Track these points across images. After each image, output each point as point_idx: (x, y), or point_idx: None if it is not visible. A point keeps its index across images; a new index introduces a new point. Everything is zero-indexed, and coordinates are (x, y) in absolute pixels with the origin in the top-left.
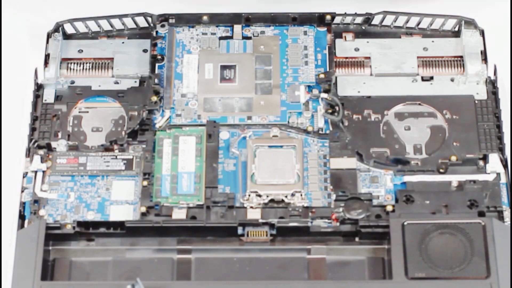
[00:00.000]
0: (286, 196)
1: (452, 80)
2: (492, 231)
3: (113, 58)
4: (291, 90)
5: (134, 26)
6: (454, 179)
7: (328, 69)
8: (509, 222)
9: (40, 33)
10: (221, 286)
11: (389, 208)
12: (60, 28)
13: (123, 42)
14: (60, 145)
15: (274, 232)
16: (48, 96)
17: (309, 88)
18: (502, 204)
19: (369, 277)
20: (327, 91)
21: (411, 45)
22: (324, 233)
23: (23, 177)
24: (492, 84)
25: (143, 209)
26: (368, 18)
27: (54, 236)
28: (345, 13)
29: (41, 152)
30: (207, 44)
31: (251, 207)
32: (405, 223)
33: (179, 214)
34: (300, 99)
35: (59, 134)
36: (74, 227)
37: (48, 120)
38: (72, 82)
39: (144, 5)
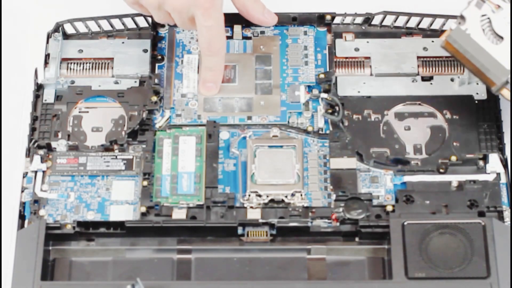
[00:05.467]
0: (286, 196)
1: (452, 80)
2: (492, 231)
3: (113, 58)
4: (291, 90)
5: (134, 26)
6: (454, 179)
7: (328, 69)
8: (509, 222)
9: (40, 33)
10: (221, 286)
11: (389, 208)
12: (60, 28)
13: (123, 42)
14: (60, 145)
15: (274, 232)
16: (48, 96)
17: (309, 88)
18: (502, 204)
19: (369, 277)
20: (327, 91)
21: (411, 45)
22: (324, 233)
23: (23, 177)
24: None
25: (143, 209)
26: (368, 18)
27: (54, 236)
28: (345, 13)
29: (41, 152)
30: None
31: (251, 207)
32: (405, 223)
33: (179, 214)
34: (300, 99)
35: (59, 134)
36: (74, 227)
37: (48, 120)
38: (72, 82)
39: None
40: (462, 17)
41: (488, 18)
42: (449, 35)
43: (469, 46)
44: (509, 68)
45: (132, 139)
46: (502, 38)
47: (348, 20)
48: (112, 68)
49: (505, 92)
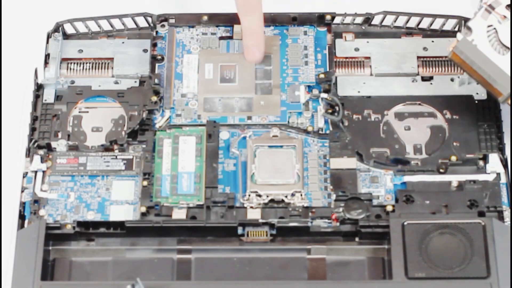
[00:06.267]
0: (286, 196)
1: (452, 80)
2: (492, 231)
3: (113, 58)
4: (291, 90)
5: (134, 26)
6: (454, 179)
7: (328, 69)
8: (509, 222)
9: (40, 33)
10: (221, 286)
11: (389, 208)
12: (60, 28)
13: (123, 42)
14: (60, 145)
15: (274, 232)
16: (48, 96)
17: (309, 88)
18: (502, 204)
19: (369, 277)
20: (327, 91)
21: (411, 45)
22: (324, 233)
23: (23, 177)
24: None
25: (143, 209)
26: (368, 18)
27: (54, 236)
28: (345, 13)
29: (41, 152)
30: (207, 44)
31: (251, 207)
32: (405, 223)
33: (179, 214)
34: (300, 99)
35: (59, 134)
36: (74, 227)
37: (48, 120)
38: (72, 82)
39: (144, 5)
40: (468, 28)
41: (494, 29)
42: (455, 46)
43: (476, 57)
44: None
45: (132, 139)
46: (508, 48)
47: (348, 20)
48: (112, 68)
49: None
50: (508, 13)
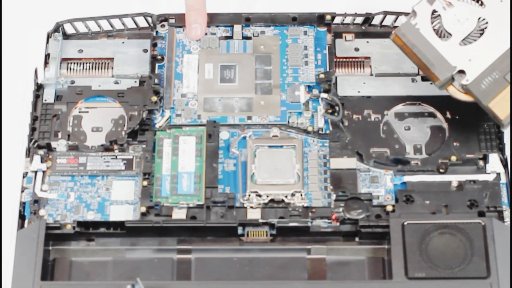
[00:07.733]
0: (286, 196)
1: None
2: (492, 231)
3: (113, 58)
4: (291, 90)
5: (134, 26)
6: (454, 179)
7: (328, 69)
8: (509, 222)
9: (40, 33)
10: (221, 286)
11: (389, 208)
12: (60, 28)
13: (123, 42)
14: (60, 145)
15: (274, 232)
16: (48, 96)
17: (309, 88)
18: (502, 204)
19: (369, 277)
20: (327, 91)
21: None
22: (324, 233)
23: (23, 177)
24: None
25: (143, 209)
26: (368, 18)
27: (54, 236)
28: (345, 13)
29: (41, 152)
30: (207, 44)
31: (251, 207)
32: (405, 223)
33: (179, 214)
34: (300, 99)
35: (59, 134)
36: (74, 227)
37: (48, 120)
38: (72, 82)
39: (144, 5)
40: (413, 11)
41: (439, 15)
42: (398, 29)
43: (417, 40)
44: (454, 64)
45: (132, 139)
46: (450, 34)
47: (348, 20)
48: (112, 68)
49: (451, 89)
50: (453, 1)
